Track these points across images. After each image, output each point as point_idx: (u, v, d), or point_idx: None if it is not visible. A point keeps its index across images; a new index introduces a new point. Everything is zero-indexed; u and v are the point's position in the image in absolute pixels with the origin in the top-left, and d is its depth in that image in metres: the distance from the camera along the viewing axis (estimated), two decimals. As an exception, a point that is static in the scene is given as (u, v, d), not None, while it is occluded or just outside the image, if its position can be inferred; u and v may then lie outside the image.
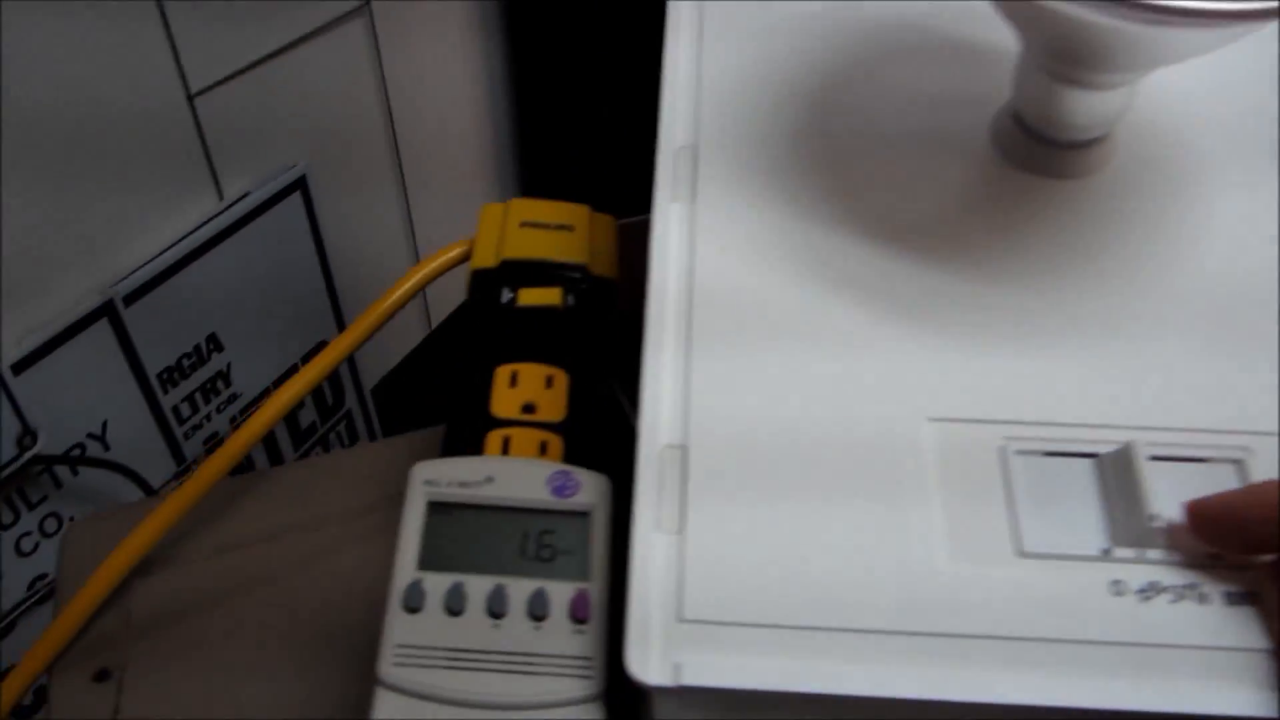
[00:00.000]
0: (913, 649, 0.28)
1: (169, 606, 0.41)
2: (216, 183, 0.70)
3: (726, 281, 0.35)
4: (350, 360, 0.89)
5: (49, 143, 0.58)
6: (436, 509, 0.33)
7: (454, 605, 0.31)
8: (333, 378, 0.88)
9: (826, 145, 0.39)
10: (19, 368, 0.60)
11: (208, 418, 0.77)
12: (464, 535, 0.33)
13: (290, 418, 0.84)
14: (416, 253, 0.95)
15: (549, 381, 0.39)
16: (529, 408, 0.38)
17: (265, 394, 0.81)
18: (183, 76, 0.64)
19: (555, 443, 0.37)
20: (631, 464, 0.31)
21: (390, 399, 0.96)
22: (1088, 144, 0.37)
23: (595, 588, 0.32)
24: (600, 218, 0.45)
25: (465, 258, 0.44)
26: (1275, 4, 0.26)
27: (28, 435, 0.62)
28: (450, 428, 0.38)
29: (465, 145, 0.97)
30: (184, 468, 0.75)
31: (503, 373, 0.39)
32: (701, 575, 0.29)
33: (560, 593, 0.32)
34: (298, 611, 0.41)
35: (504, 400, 0.38)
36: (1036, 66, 0.35)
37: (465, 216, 1.02)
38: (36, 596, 0.67)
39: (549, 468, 0.34)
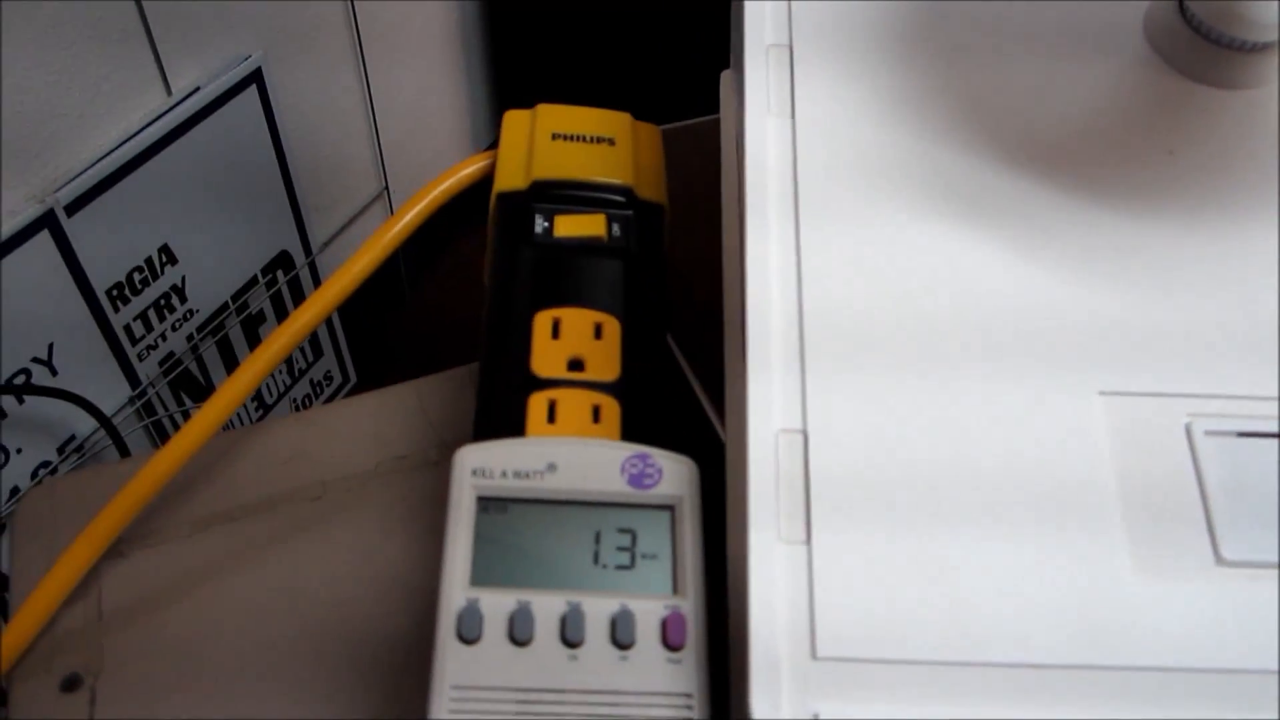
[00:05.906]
0: (1091, 687, 0.22)
1: (145, 594, 0.35)
2: (164, 76, 0.61)
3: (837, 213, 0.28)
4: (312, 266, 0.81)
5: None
6: (489, 507, 0.27)
7: (520, 634, 0.25)
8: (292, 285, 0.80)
9: (946, 43, 0.32)
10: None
11: (162, 336, 0.69)
12: (526, 541, 0.26)
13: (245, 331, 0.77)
14: (380, 154, 0.87)
15: (598, 330, 0.32)
16: (576, 364, 0.31)
17: (223, 310, 0.74)
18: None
19: (610, 407, 0.31)
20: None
21: (354, 307, 0.88)
22: (1264, 46, 0.30)
23: (690, 604, 0.26)
24: (644, 128, 0.38)
25: (487, 175, 0.37)
26: None
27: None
28: (483, 390, 0.32)
29: (431, 31, 0.88)
30: (139, 391, 0.68)
31: (542, 320, 0.32)
32: (837, 598, 0.23)
33: (648, 612, 0.26)
34: (298, 597, 0.35)
35: (546, 355, 0.32)
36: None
37: (436, 113, 0.94)
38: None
39: (623, 450, 0.28)
